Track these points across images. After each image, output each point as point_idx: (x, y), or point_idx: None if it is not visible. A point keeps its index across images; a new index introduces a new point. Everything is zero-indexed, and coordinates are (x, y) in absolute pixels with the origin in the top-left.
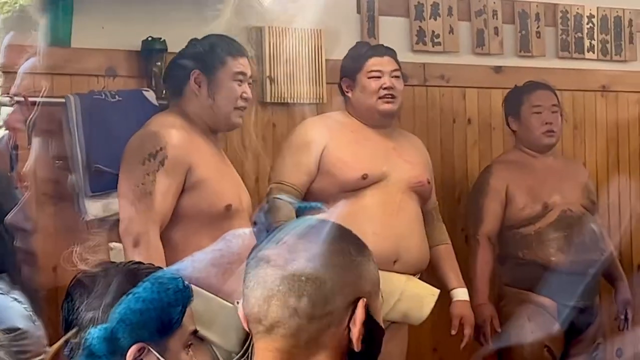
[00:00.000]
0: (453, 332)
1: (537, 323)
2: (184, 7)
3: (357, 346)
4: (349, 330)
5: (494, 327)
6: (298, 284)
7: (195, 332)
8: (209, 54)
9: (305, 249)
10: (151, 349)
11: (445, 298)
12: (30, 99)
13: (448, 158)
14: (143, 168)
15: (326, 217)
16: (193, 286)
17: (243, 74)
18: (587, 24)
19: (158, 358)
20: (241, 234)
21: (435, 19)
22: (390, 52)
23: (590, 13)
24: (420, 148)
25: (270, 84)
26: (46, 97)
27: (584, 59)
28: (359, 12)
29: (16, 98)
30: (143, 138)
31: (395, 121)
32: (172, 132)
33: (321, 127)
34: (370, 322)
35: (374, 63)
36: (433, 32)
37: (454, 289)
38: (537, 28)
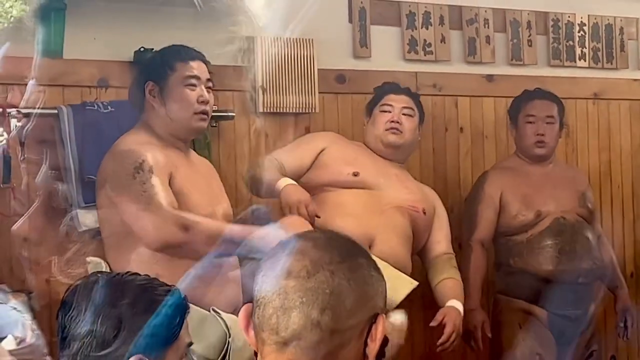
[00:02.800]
0: (432, 324)
1: (528, 331)
2: (175, 17)
3: None
4: (365, 345)
5: (485, 333)
6: (322, 296)
7: (190, 344)
8: (158, 62)
9: (328, 262)
10: None
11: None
12: (24, 111)
13: (440, 167)
14: (137, 181)
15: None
16: None
17: (196, 77)
18: (579, 32)
19: None
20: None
21: (427, 28)
22: (410, 94)
23: (581, 21)
24: (429, 193)
25: (263, 93)
26: (39, 108)
27: (575, 66)
28: (350, 21)
29: (24, 111)
30: (118, 157)
31: (406, 164)
32: (145, 147)
33: (332, 135)
34: (384, 337)
35: (388, 98)
36: (425, 41)
37: (451, 299)
38: (529, 36)
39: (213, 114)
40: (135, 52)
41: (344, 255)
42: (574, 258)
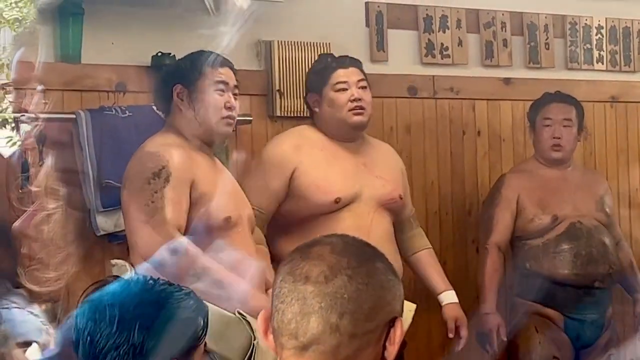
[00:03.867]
0: (450, 336)
1: (544, 334)
2: (192, 22)
3: None
4: (384, 348)
5: (500, 337)
6: (340, 301)
7: (205, 345)
8: (188, 66)
9: (346, 267)
10: None
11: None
12: (41, 115)
13: (458, 170)
14: (149, 187)
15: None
16: None
17: (224, 83)
18: (596, 35)
19: None
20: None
21: (444, 32)
22: (356, 63)
23: (599, 24)
24: (391, 157)
25: (280, 97)
26: (57, 112)
27: (593, 69)
28: (367, 25)
29: (40, 116)
30: (143, 159)
31: (362, 132)
32: (171, 151)
33: (291, 148)
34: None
35: (340, 75)
36: (442, 44)
37: (441, 292)
38: (546, 39)
39: None
40: (152, 56)
41: (361, 260)
42: (590, 262)
